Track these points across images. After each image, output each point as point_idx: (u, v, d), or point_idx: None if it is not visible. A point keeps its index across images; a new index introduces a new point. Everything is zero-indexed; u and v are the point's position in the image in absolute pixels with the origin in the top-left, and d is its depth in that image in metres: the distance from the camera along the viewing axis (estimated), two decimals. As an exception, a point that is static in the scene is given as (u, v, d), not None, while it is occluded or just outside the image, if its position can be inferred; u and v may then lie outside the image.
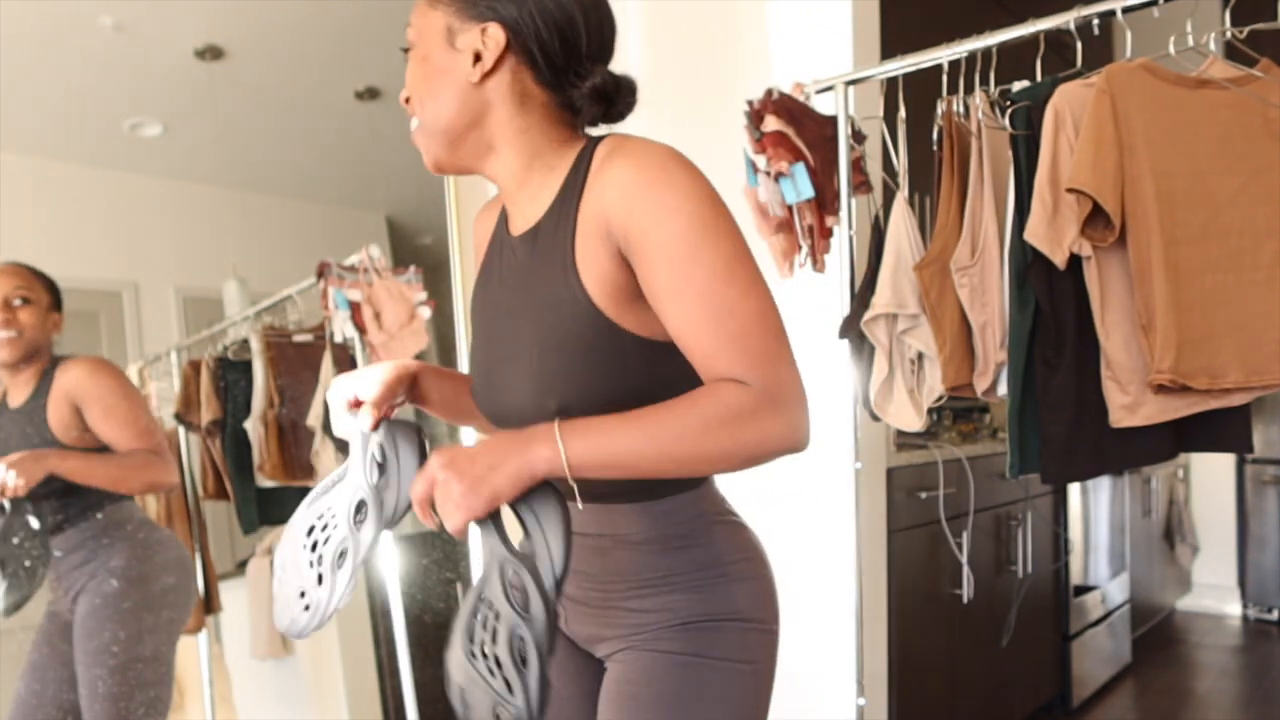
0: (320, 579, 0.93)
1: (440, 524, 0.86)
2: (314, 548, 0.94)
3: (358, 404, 0.96)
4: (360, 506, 0.93)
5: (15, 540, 1.67)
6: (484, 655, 0.81)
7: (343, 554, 0.94)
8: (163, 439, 1.82)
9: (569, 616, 1.04)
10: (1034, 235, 1.60)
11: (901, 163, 1.94)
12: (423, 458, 0.92)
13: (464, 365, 2.26)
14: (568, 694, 1.06)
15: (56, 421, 1.77)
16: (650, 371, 0.90)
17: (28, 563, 1.67)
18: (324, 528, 0.94)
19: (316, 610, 0.93)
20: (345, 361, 2.21)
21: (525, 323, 0.94)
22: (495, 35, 0.92)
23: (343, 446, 2.19)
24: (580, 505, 0.92)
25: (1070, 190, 1.56)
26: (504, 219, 1.03)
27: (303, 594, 0.93)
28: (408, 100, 0.97)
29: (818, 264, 1.98)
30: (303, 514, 0.96)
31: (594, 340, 0.88)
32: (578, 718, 1.06)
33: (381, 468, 0.93)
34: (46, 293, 1.83)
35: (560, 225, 0.91)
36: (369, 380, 0.96)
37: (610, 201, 0.86)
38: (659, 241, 0.84)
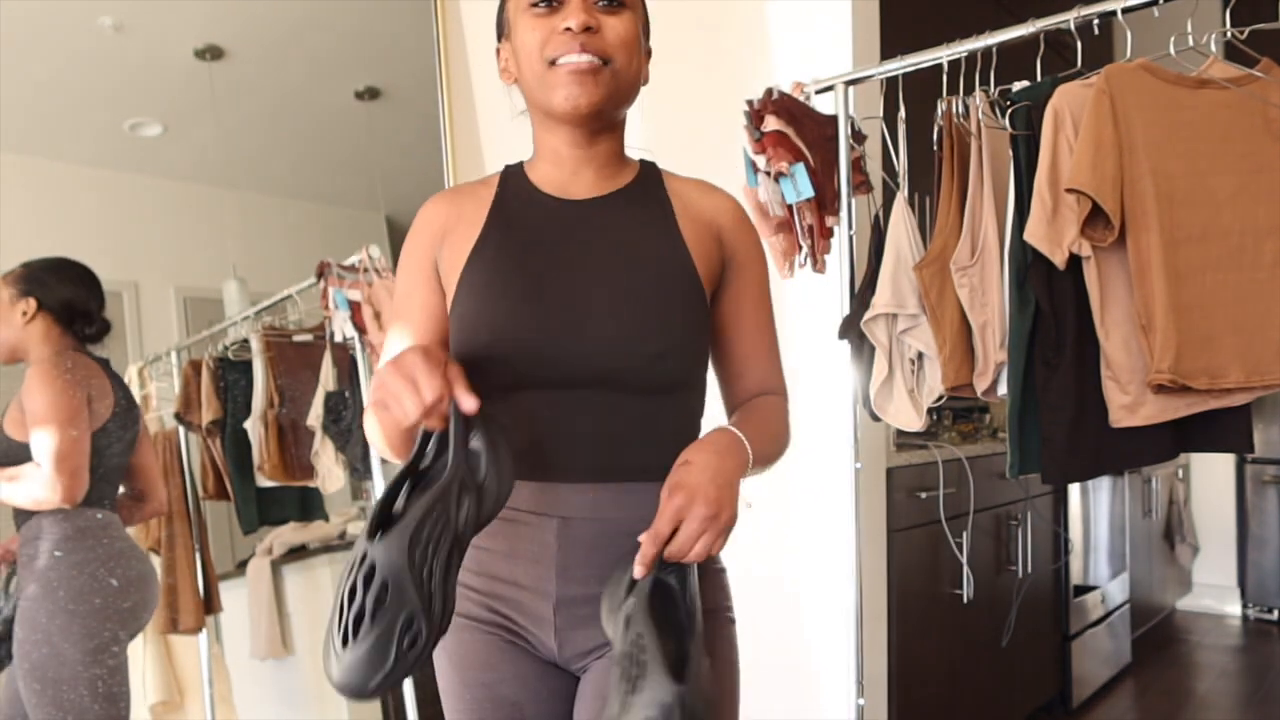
0: (431, 598, 0.81)
1: (649, 566, 0.85)
2: (430, 559, 0.82)
3: (428, 410, 0.83)
4: (464, 499, 0.85)
5: None
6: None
7: (450, 560, 0.84)
8: (66, 453, 1.72)
9: (565, 628, 0.97)
10: (1034, 235, 1.60)
11: (901, 163, 1.94)
12: (515, 462, 0.88)
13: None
14: (536, 715, 1.00)
15: (10, 422, 1.75)
16: (704, 342, 1.04)
17: None
18: (431, 540, 0.83)
19: (422, 642, 0.80)
20: (345, 361, 2.21)
21: (619, 271, 0.97)
22: (650, 55, 1.07)
23: (343, 447, 2.19)
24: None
25: (1070, 190, 1.56)
26: (532, 186, 1.03)
27: (411, 622, 0.80)
28: (588, 28, 0.94)
29: (818, 264, 1.98)
30: (406, 534, 0.82)
31: (691, 300, 0.99)
32: None
33: (470, 459, 0.86)
34: (11, 285, 1.81)
35: (651, 202, 1.03)
36: (427, 373, 0.83)
37: (725, 219, 1.05)
38: (757, 271, 1.07)
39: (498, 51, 1.06)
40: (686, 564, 0.86)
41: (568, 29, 0.94)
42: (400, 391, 0.82)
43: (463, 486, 0.85)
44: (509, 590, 0.98)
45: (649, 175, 1.06)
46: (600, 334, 0.93)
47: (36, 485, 1.71)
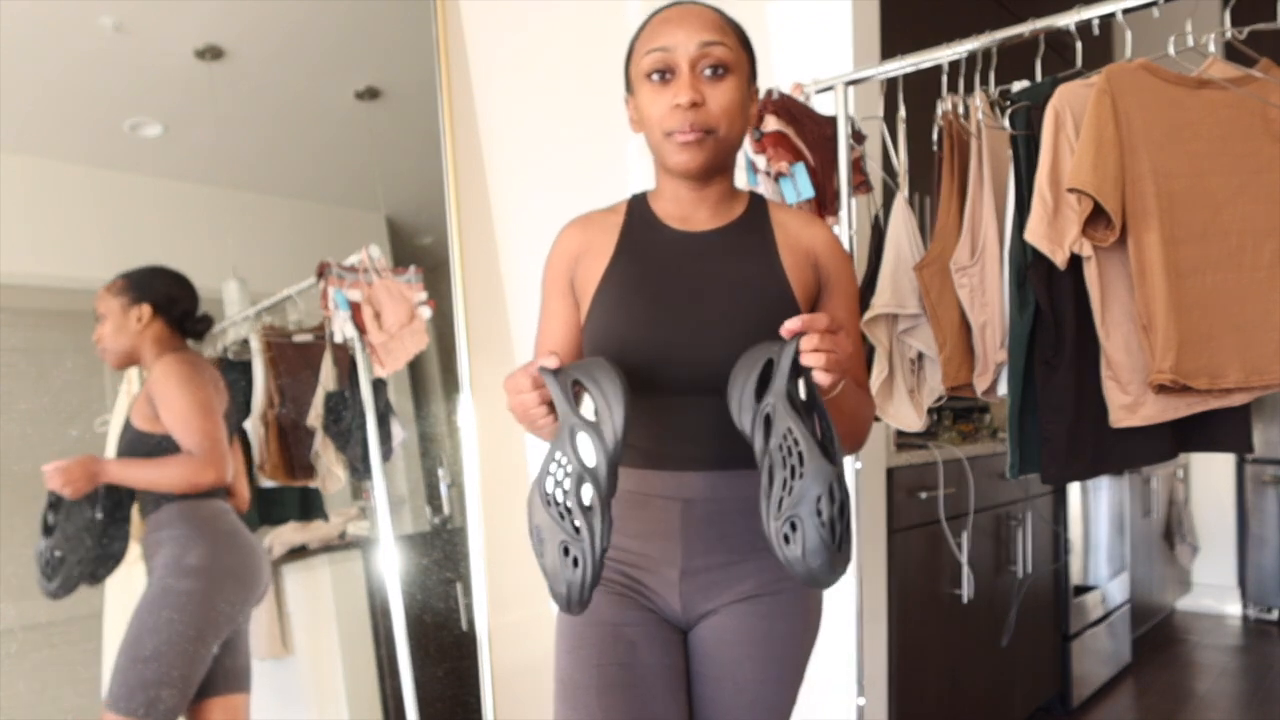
0: (577, 529, 0.98)
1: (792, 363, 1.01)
2: (560, 500, 0.99)
3: (534, 381, 1.03)
4: (577, 439, 0.99)
5: (74, 528, 1.79)
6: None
7: (585, 495, 0.99)
8: (215, 436, 1.87)
9: (689, 591, 1.17)
10: (1034, 235, 1.60)
11: (901, 163, 1.94)
12: (623, 382, 1.00)
13: (473, 364, 2.26)
14: (657, 664, 1.17)
15: (138, 415, 1.87)
16: None
17: (78, 555, 1.78)
18: (556, 484, 1.00)
19: (585, 560, 0.97)
20: (345, 361, 2.21)
21: (726, 296, 1.15)
22: (757, 95, 1.23)
23: (343, 447, 2.18)
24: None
25: (1071, 190, 1.56)
26: (655, 217, 1.22)
27: (566, 550, 0.98)
28: (694, 104, 1.11)
29: (818, 264, 1.97)
30: (536, 485, 1.01)
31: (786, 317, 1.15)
32: (661, 685, 1.17)
33: (586, 399, 1.01)
34: (119, 295, 1.90)
35: (755, 234, 1.20)
36: (524, 367, 1.06)
37: (821, 246, 1.22)
38: (846, 288, 1.24)
39: (626, 102, 1.23)
40: (808, 376, 1.01)
41: (678, 105, 1.11)
42: (515, 385, 1.04)
43: (573, 429, 1.00)
44: (641, 560, 1.17)
45: (757, 208, 1.24)
46: (709, 350, 1.11)
47: (191, 469, 1.83)
